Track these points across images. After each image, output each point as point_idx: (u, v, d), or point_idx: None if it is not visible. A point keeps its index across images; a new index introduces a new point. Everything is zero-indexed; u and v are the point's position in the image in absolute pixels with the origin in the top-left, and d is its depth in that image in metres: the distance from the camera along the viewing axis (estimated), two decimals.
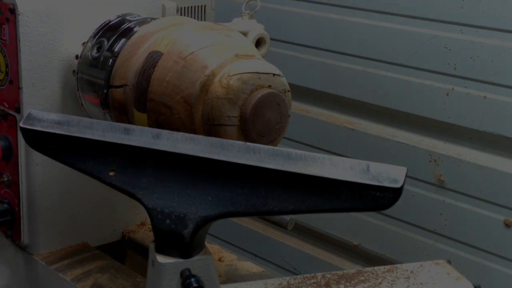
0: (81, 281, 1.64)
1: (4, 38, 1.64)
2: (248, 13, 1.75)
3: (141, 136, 1.28)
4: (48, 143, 1.34)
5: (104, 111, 1.59)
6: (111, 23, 1.66)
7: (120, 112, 1.52)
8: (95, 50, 1.63)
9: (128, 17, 1.67)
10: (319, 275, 1.46)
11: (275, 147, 1.19)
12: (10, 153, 1.70)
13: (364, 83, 2.51)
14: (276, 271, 2.80)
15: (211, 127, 1.36)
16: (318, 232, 2.74)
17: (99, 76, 1.59)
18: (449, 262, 1.52)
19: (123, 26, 1.62)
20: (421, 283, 1.43)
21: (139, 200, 1.26)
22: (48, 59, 1.65)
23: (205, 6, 2.28)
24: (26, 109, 1.61)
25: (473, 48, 2.21)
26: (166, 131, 1.28)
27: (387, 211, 2.43)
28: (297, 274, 1.64)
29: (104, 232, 1.85)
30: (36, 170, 1.69)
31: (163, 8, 1.85)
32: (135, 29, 1.58)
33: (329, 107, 2.67)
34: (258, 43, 1.75)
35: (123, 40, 1.57)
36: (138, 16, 1.69)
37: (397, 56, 2.40)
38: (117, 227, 1.88)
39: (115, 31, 1.62)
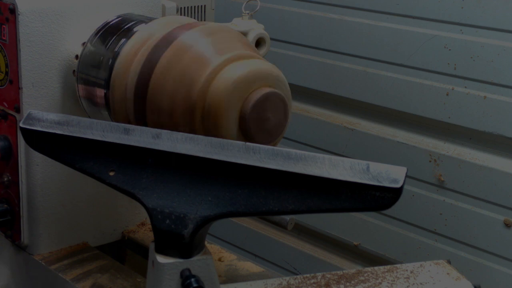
0: (81, 281, 1.64)
1: (4, 38, 1.64)
2: (248, 13, 1.75)
3: (141, 136, 1.28)
4: (48, 143, 1.34)
5: (104, 111, 1.59)
6: (111, 23, 1.66)
7: (119, 112, 1.52)
8: (95, 50, 1.63)
9: (128, 17, 1.67)
10: (319, 275, 1.46)
11: (275, 147, 1.19)
12: (10, 153, 1.70)
13: (364, 83, 2.51)
14: (276, 271, 2.80)
15: (211, 127, 1.36)
16: (318, 232, 2.74)
17: (99, 76, 1.59)
18: (449, 262, 1.52)
19: (123, 26, 1.62)
20: (421, 283, 1.43)
21: (139, 200, 1.26)
22: (48, 59, 1.65)
23: (205, 6, 2.28)
24: (26, 109, 1.61)
25: (473, 48, 2.21)
26: (166, 131, 1.28)
27: (387, 211, 2.43)
28: (297, 274, 1.64)
29: (104, 232, 1.85)
30: (36, 170, 1.69)
31: (163, 8, 1.85)
32: (135, 29, 1.58)
33: (329, 107, 2.67)
34: (258, 43, 1.75)
35: (123, 40, 1.57)
36: (138, 16, 1.68)
37: (397, 56, 2.40)
38: (117, 227, 1.88)
39: (115, 31, 1.62)
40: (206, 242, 1.29)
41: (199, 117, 1.36)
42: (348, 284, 1.42)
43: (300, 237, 2.82)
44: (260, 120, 1.36)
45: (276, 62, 1.50)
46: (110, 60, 1.56)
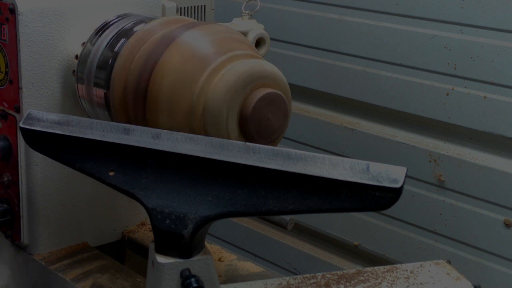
0: (81, 281, 1.64)
1: (4, 38, 1.64)
2: (248, 13, 1.75)
3: (141, 136, 1.28)
4: (48, 143, 1.34)
5: (104, 111, 1.59)
6: (111, 23, 1.66)
7: (119, 112, 1.52)
8: (95, 50, 1.63)
9: (127, 17, 1.67)
10: (319, 275, 1.46)
11: (275, 147, 1.19)
12: (10, 153, 1.70)
13: (364, 83, 2.51)
14: (276, 271, 2.80)
15: (210, 127, 1.36)
16: (318, 232, 2.74)
17: (99, 76, 1.59)
18: (449, 262, 1.52)
19: (123, 26, 1.62)
20: (421, 283, 1.43)
21: (139, 200, 1.26)
22: (48, 59, 1.65)
23: (205, 6, 2.28)
24: (26, 109, 1.61)
25: (473, 48, 2.21)
26: (166, 131, 1.28)
27: (387, 211, 2.43)
28: (297, 274, 1.64)
29: (104, 232, 1.85)
30: (36, 170, 1.69)
31: (163, 8, 1.85)
32: (135, 29, 1.58)
33: (329, 107, 2.67)
34: (258, 43, 1.75)
35: (123, 40, 1.57)
36: (138, 16, 1.68)
37: (397, 56, 2.40)
38: (117, 227, 1.88)
39: (115, 31, 1.62)
40: (206, 242, 1.29)
41: (199, 117, 1.36)
42: (348, 284, 1.42)
43: (300, 237, 2.82)
44: (260, 120, 1.36)
45: (276, 62, 1.50)
46: (110, 60, 1.56)
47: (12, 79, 1.65)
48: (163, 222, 1.23)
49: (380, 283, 1.43)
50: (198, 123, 1.37)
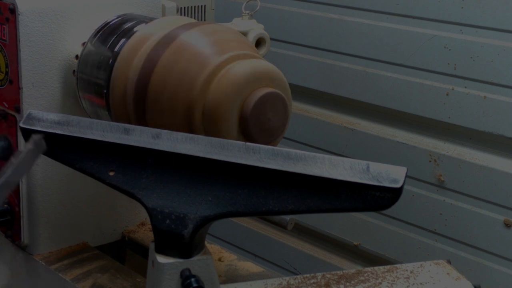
0: (81, 281, 1.64)
1: (4, 38, 1.64)
2: (248, 13, 1.75)
3: (141, 136, 1.28)
4: (48, 143, 1.34)
5: (104, 111, 1.59)
6: (111, 23, 1.66)
7: (120, 112, 1.52)
8: (95, 50, 1.63)
9: (128, 17, 1.67)
10: (319, 275, 1.46)
11: (275, 147, 1.19)
12: (10, 153, 1.70)
13: (364, 83, 2.51)
14: (276, 271, 2.80)
15: (211, 127, 1.36)
16: (318, 232, 2.74)
17: (99, 76, 1.59)
18: (449, 262, 1.52)
19: (123, 26, 1.62)
20: (421, 283, 1.43)
21: (139, 200, 1.26)
22: (48, 59, 1.65)
23: (205, 6, 2.28)
24: (26, 109, 1.61)
25: (473, 48, 2.21)
26: (166, 131, 1.28)
27: (387, 211, 2.43)
28: (297, 274, 1.64)
29: (104, 232, 1.85)
30: (36, 170, 1.69)
31: (163, 8, 1.85)
32: (135, 29, 1.58)
33: (329, 107, 2.67)
34: (258, 43, 1.75)
35: (123, 40, 1.57)
36: (138, 16, 1.69)
37: (397, 56, 2.40)
38: (117, 227, 1.88)
39: (115, 31, 1.62)
40: (206, 242, 1.29)
41: (199, 117, 1.36)
42: (348, 284, 1.42)
43: (300, 237, 2.82)
44: (260, 120, 1.36)
45: (276, 62, 1.50)
46: (110, 60, 1.56)
47: (12, 79, 1.65)
48: (163, 222, 1.23)
49: (380, 283, 1.43)
50: (198, 123, 1.37)
